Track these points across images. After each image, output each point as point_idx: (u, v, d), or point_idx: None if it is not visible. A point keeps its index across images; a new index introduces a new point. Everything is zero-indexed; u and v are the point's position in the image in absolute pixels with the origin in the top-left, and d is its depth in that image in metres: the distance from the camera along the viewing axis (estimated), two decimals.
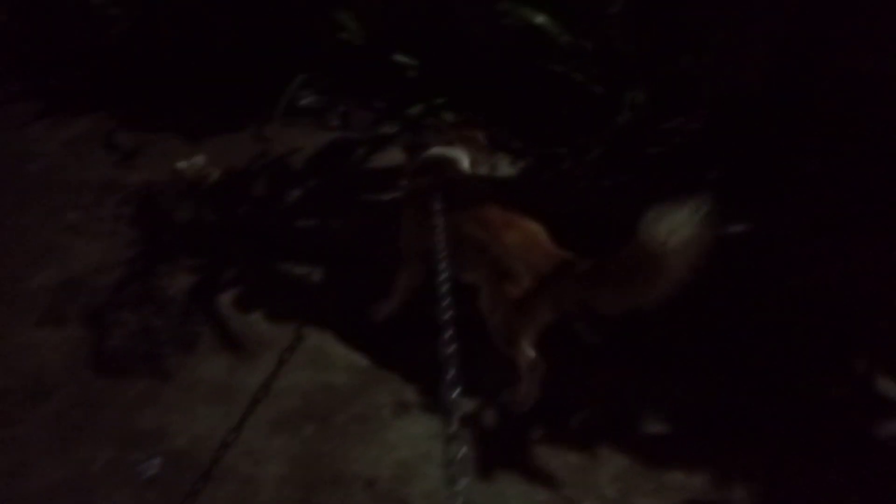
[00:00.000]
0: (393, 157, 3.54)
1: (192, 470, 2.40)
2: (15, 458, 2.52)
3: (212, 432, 2.50)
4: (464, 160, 2.61)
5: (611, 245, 2.03)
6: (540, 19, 3.32)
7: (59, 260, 3.26)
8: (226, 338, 2.81)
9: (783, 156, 3.19)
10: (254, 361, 2.72)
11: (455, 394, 1.52)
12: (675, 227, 1.84)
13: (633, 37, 3.22)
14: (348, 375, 2.62)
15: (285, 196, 3.44)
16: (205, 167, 3.58)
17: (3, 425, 2.62)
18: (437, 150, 2.61)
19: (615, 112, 3.26)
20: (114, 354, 2.83)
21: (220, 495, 2.34)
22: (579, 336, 2.63)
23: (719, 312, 2.70)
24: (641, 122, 3.27)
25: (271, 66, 3.98)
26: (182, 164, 3.58)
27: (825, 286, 2.71)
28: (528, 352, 2.34)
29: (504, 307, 2.26)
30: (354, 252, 3.11)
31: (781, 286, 2.75)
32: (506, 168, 3.40)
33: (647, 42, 3.23)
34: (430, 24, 3.70)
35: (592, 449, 2.34)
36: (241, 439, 2.47)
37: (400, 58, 3.69)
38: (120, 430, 2.55)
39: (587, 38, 3.27)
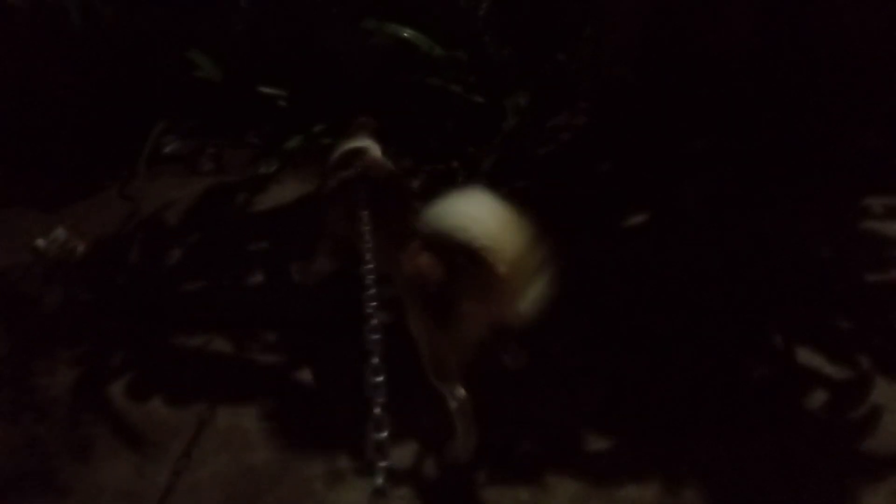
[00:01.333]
0: (277, 195, 3.33)
1: None
2: None
3: None
4: (375, 149, 2.61)
5: None
6: (407, 33, 3.19)
7: None
8: (125, 434, 2.52)
9: (666, 138, 3.24)
10: (161, 456, 2.44)
11: (382, 435, 1.36)
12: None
13: (504, 41, 3.15)
14: (270, 452, 2.40)
15: (165, 259, 3.13)
16: (68, 241, 3.21)
17: None
18: (350, 144, 2.58)
19: (500, 118, 3.18)
20: None
21: None
22: (501, 363, 2.54)
23: (632, 308, 2.70)
24: (527, 124, 3.21)
25: (126, 117, 3.64)
26: (41, 242, 3.19)
27: (735, 262, 2.75)
28: (457, 390, 2.16)
29: (429, 332, 2.10)
30: (253, 311, 2.88)
31: (691, 269, 2.77)
32: None
33: (519, 44, 3.17)
34: (293, 51, 3.49)
35: (540, 480, 2.25)
36: None
37: (266, 89, 3.46)
38: None
39: (459, 49, 3.16)
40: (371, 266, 1.92)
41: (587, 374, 2.52)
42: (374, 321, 1.64)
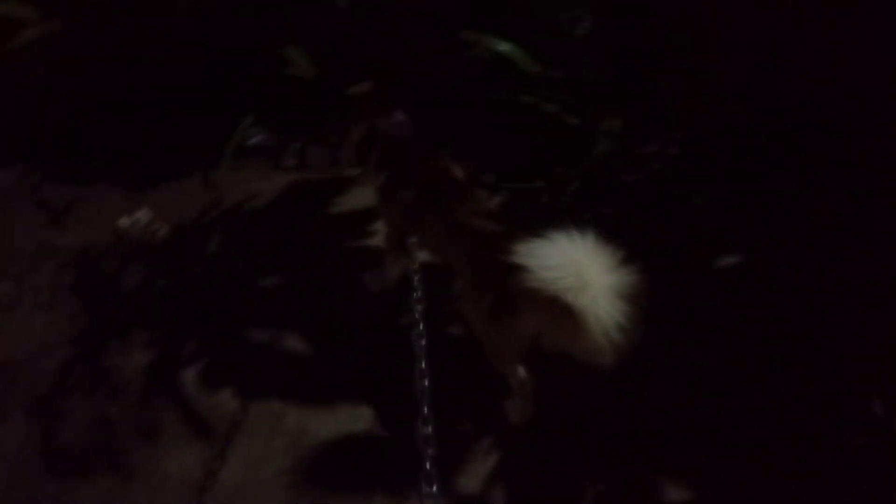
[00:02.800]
0: (357, 199, 3.31)
1: None
2: None
3: None
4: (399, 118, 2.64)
5: None
6: (505, 48, 3.15)
7: None
8: (193, 424, 2.52)
9: (762, 178, 3.11)
10: (227, 450, 2.44)
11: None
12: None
13: (603, 63, 3.08)
14: (336, 457, 2.37)
15: (244, 251, 3.15)
16: (150, 223, 3.25)
17: None
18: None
19: (591, 141, 3.11)
20: (66, 452, 2.50)
21: None
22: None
23: (713, 353, 2.57)
24: (619, 150, 3.13)
25: (215, 108, 3.68)
26: (124, 222, 3.24)
27: (829, 316, 2.62)
28: (520, 372, 2.24)
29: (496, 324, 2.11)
30: (328, 312, 2.85)
31: (781, 320, 2.65)
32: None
33: (619, 67, 3.10)
34: (386, 56, 3.48)
35: None
36: None
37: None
38: None
39: (557, 67, 3.11)
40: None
41: (660, 418, 2.42)
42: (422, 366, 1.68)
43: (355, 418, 2.44)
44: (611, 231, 3.06)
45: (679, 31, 3.03)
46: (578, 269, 1.78)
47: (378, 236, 2.98)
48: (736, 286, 2.77)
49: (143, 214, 3.28)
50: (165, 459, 2.44)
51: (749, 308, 2.68)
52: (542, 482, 2.28)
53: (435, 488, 1.42)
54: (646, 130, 3.23)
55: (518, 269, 1.89)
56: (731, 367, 2.51)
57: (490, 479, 2.29)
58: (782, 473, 2.24)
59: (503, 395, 2.39)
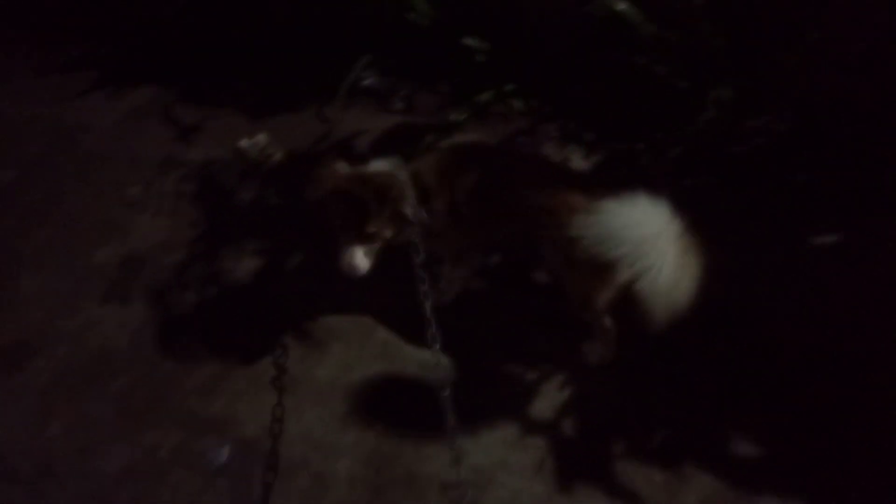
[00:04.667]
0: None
1: (261, 461, 2.37)
2: (85, 437, 2.50)
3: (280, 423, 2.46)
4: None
5: None
6: (622, 6, 3.16)
7: (121, 236, 3.21)
8: (293, 330, 2.75)
9: (871, 162, 3.03)
10: (322, 353, 2.65)
11: None
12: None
13: (721, 29, 3.06)
14: (419, 371, 2.54)
15: None
16: (268, 147, 3.49)
17: (72, 402, 2.60)
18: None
19: (698, 108, 3.10)
20: (178, 338, 2.79)
21: (291, 490, 2.30)
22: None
23: (801, 331, 2.57)
24: (726, 119, 3.11)
25: (333, 45, 3.87)
26: (245, 143, 3.50)
27: None
28: (606, 321, 2.35)
29: (579, 273, 2.21)
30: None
31: (876, 305, 2.61)
32: (578, 161, 3.27)
33: (736, 35, 3.07)
34: (503, 8, 3.56)
35: (678, 468, 2.25)
36: (311, 434, 2.43)
37: (469, 41, 3.55)
38: (187, 416, 2.52)
39: (672, 30, 3.11)
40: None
41: (735, 376, 2.45)
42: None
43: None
44: (707, 200, 3.10)
45: (801, 5, 2.96)
46: (649, 240, 1.86)
47: None
48: (830, 264, 2.74)
49: (261, 138, 3.52)
50: (264, 355, 2.68)
51: (841, 285, 2.66)
52: (610, 420, 2.38)
53: None
54: (756, 103, 3.18)
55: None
56: (815, 339, 2.52)
57: (562, 410, 2.41)
58: (852, 438, 2.26)
59: (583, 340, 2.49)
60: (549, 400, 2.45)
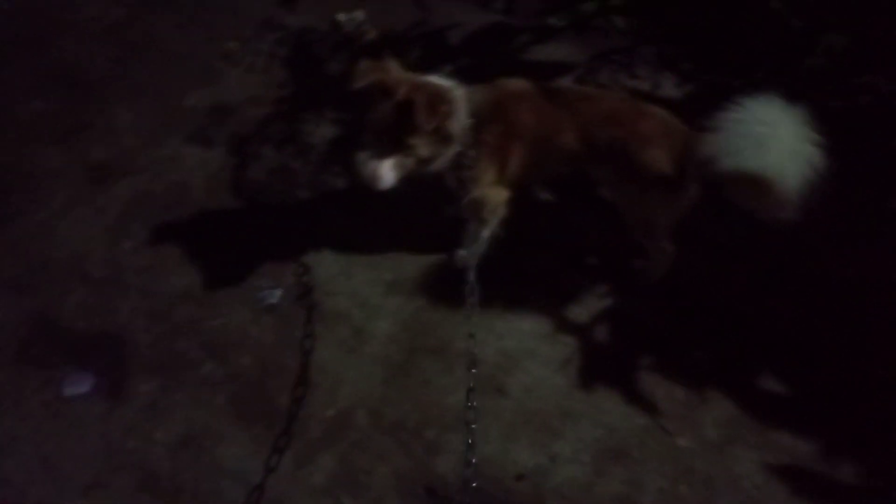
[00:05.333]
0: (555, 51, 3.40)
1: (305, 309, 2.52)
2: (153, 257, 2.70)
3: (332, 280, 2.60)
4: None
5: None
6: None
7: (213, 85, 3.35)
8: (357, 194, 2.85)
9: None
10: (381, 221, 2.75)
11: None
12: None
13: None
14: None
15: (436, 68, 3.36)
16: (363, 24, 3.53)
17: (146, 224, 2.80)
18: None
19: (807, 52, 2.95)
20: (252, 184, 2.94)
21: (330, 337, 2.45)
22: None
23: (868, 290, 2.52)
24: (833, 70, 2.96)
25: None
26: (342, 17, 3.55)
27: None
28: (666, 245, 2.35)
29: (646, 206, 2.22)
30: None
31: None
32: (670, 89, 3.19)
33: None
34: None
35: (702, 389, 2.29)
36: (358, 292, 2.56)
37: None
38: (250, 258, 2.68)
39: None
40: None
41: (778, 320, 2.44)
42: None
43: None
44: None
45: None
46: (766, 126, 1.82)
47: None
48: None
49: (358, 14, 3.56)
50: (329, 214, 2.81)
51: None
52: (642, 334, 2.42)
53: None
54: (868, 59, 3.01)
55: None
56: (872, 296, 2.47)
57: (598, 316, 2.46)
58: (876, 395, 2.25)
59: (633, 256, 2.51)
60: (587, 307, 2.50)
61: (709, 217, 2.43)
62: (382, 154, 2.00)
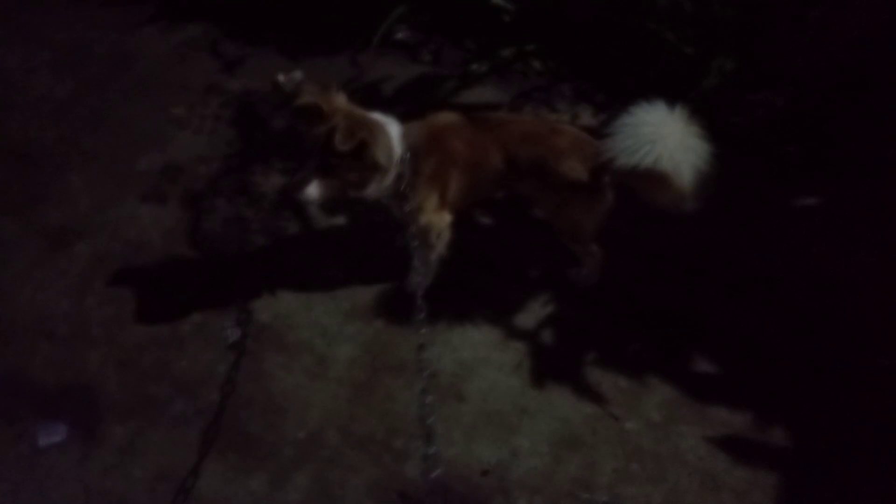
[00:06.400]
0: (481, 94, 3.70)
1: (271, 341, 2.66)
2: (117, 309, 2.81)
3: (293, 313, 2.75)
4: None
5: None
6: None
7: (163, 147, 3.51)
8: (311, 234, 3.04)
9: (864, 139, 3.24)
10: (335, 256, 2.94)
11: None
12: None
13: (732, 2, 3.28)
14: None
15: None
16: (302, 82, 3.78)
17: (107, 280, 2.91)
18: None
19: (702, 75, 3.33)
20: (208, 234, 3.09)
21: (295, 366, 2.59)
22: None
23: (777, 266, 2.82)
24: (727, 89, 3.34)
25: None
26: (281, 78, 3.79)
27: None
28: (593, 248, 2.60)
29: (569, 213, 2.47)
30: None
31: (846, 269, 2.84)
32: (587, 119, 3.51)
33: (745, 7, 3.29)
34: None
35: (643, 377, 2.51)
36: (318, 322, 2.72)
37: (498, 1, 3.81)
38: (210, 299, 2.81)
39: (686, 1, 3.34)
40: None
41: (715, 302, 2.70)
42: None
43: None
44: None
45: None
46: (654, 126, 2.11)
47: None
48: (806, 224, 2.97)
49: (297, 74, 3.81)
50: (284, 255, 2.97)
51: (811, 238, 2.89)
52: (584, 334, 2.64)
53: None
54: (757, 76, 3.40)
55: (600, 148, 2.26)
56: (781, 284, 2.76)
57: (542, 322, 2.68)
58: (800, 369, 2.52)
59: (569, 266, 2.75)
60: (532, 314, 2.71)
61: (630, 224, 2.72)
62: (312, 173, 2.20)
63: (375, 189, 2.31)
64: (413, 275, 2.67)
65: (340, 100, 2.28)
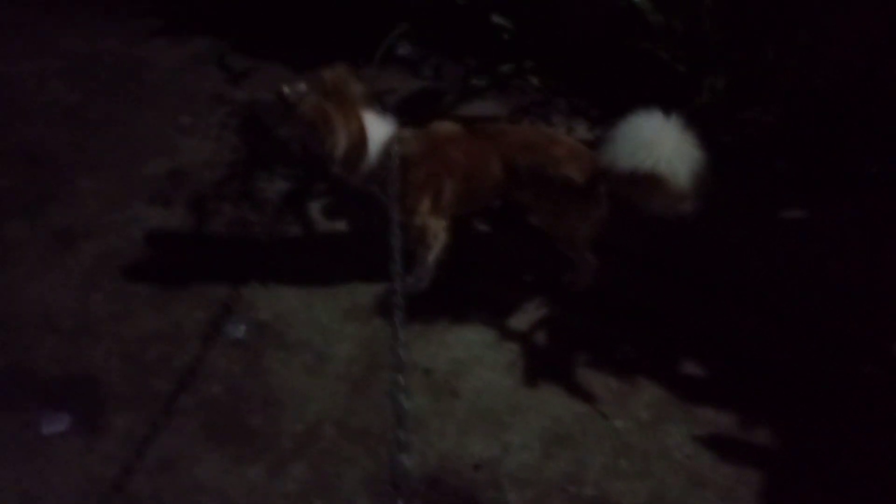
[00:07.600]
0: (480, 107, 3.81)
1: (271, 339, 2.74)
2: (122, 306, 2.88)
3: (293, 312, 2.83)
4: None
5: None
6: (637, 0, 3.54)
7: (170, 153, 3.62)
8: (311, 238, 3.13)
9: (851, 156, 3.36)
10: (336, 260, 3.02)
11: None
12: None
13: (722, 23, 3.41)
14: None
15: None
16: (306, 94, 3.89)
17: (113, 279, 2.98)
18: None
19: (694, 93, 3.45)
20: (213, 236, 3.17)
21: (295, 362, 2.66)
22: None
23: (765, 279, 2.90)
24: (717, 107, 3.45)
25: (374, 13, 4.27)
26: (285, 89, 3.89)
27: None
28: (588, 255, 2.69)
29: (567, 220, 2.57)
30: None
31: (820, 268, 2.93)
32: (583, 133, 3.63)
33: (736, 28, 3.41)
34: None
35: (632, 378, 2.59)
36: (317, 321, 2.79)
37: (498, 19, 3.94)
38: (213, 298, 2.88)
39: (678, 19, 3.47)
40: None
41: (708, 307, 2.79)
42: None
43: None
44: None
45: (797, 7, 3.31)
46: (651, 131, 2.21)
47: None
48: (793, 235, 3.07)
49: (300, 87, 3.91)
50: (289, 260, 3.06)
51: (799, 249, 2.99)
52: (577, 336, 2.72)
53: None
54: (747, 95, 3.52)
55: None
56: (768, 292, 2.85)
57: (536, 324, 2.75)
58: (791, 373, 2.61)
59: (562, 271, 2.84)
60: (526, 317, 2.80)
61: (622, 230, 2.81)
62: None
63: (343, 169, 2.62)
64: (412, 276, 2.76)
65: (354, 88, 2.74)
